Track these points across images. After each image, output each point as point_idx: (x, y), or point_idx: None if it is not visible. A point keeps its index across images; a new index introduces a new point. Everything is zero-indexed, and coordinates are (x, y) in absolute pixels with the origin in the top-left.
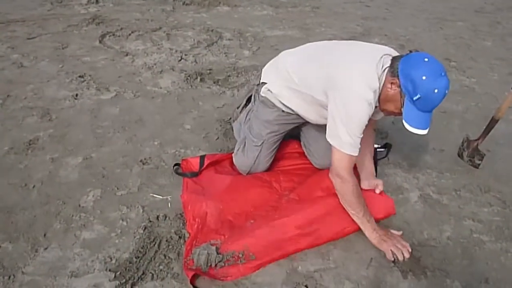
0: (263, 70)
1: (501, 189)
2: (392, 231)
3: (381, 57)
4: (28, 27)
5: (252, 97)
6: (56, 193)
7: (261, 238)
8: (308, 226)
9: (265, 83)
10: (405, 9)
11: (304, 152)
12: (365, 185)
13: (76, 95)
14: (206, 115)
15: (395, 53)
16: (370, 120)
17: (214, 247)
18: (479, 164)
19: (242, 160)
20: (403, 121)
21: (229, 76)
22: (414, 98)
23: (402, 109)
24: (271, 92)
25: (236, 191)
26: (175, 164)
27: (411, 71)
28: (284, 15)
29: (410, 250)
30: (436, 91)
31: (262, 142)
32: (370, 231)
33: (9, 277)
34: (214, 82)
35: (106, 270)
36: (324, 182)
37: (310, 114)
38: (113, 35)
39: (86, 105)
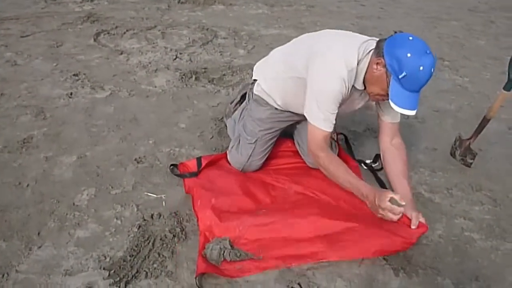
0: (254, 68)
1: (492, 188)
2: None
3: (367, 40)
4: (22, 25)
5: (247, 95)
6: (50, 191)
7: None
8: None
9: (256, 80)
10: (399, 8)
11: (297, 151)
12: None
13: (71, 93)
14: (201, 113)
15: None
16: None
17: (227, 241)
18: (471, 163)
19: (236, 157)
20: (390, 101)
21: (224, 75)
22: (400, 76)
23: (388, 89)
24: (262, 89)
25: (240, 189)
26: (172, 165)
27: (396, 50)
28: (279, 14)
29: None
30: (421, 68)
31: (256, 140)
32: (363, 196)
33: (3, 275)
34: (209, 81)
35: (100, 268)
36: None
37: (299, 105)
38: (108, 33)
39: (81, 104)
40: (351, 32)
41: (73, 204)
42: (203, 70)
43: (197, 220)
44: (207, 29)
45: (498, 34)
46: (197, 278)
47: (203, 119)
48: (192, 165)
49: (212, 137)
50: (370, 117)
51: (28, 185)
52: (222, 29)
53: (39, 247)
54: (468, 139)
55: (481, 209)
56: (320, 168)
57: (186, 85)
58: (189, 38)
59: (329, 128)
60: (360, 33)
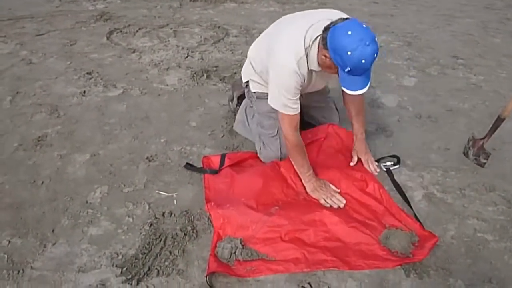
0: (242, 72)
1: (506, 188)
2: (330, 185)
3: (311, 25)
4: (36, 23)
5: (246, 96)
6: (64, 189)
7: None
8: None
9: (247, 82)
10: (413, 5)
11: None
12: (356, 158)
13: (84, 92)
14: (212, 112)
15: (337, 16)
16: (350, 96)
17: (238, 240)
18: (484, 163)
19: (269, 155)
20: (342, 87)
21: (235, 73)
22: (345, 70)
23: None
24: (258, 84)
25: (256, 186)
26: (187, 164)
27: (337, 46)
28: (291, 11)
29: (342, 201)
30: (363, 61)
31: (277, 131)
32: (306, 181)
33: (18, 271)
34: (220, 79)
35: (112, 266)
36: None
37: None
38: (121, 31)
39: (94, 102)
40: (307, 12)
41: (86, 202)
42: (214, 68)
43: (211, 219)
44: (218, 27)
45: None
46: (207, 277)
47: (214, 117)
48: (216, 161)
49: (223, 135)
50: (381, 116)
51: (42, 183)
52: (234, 27)
53: (53, 244)
54: (482, 138)
55: (495, 209)
56: (287, 148)
57: (198, 83)
58: (200, 36)
59: (294, 112)
60: (373, 31)
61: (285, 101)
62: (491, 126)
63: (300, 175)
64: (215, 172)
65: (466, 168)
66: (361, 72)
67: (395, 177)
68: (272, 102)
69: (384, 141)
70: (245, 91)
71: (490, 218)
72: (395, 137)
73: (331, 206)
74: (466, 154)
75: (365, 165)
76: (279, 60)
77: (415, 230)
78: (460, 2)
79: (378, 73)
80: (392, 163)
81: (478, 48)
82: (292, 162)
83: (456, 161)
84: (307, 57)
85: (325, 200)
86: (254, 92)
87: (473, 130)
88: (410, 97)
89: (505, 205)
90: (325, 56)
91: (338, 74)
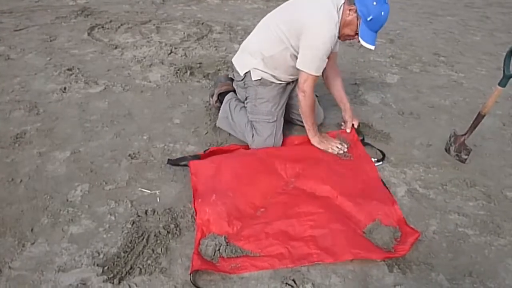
0: (234, 65)
1: (486, 184)
2: (330, 137)
3: None
4: (15, 18)
5: (241, 90)
6: (43, 187)
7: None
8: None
9: (248, 71)
10: (395, 3)
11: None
12: (345, 117)
13: (64, 88)
14: (195, 109)
15: None
16: (332, 53)
17: (222, 237)
18: (465, 159)
19: (261, 142)
20: (359, 38)
21: (219, 70)
22: (368, 19)
23: (357, 30)
24: (261, 71)
25: (244, 178)
26: (169, 159)
27: None
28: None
29: (345, 146)
30: (382, 13)
31: (276, 118)
32: (312, 135)
33: None
34: (204, 76)
35: (93, 265)
36: (326, 175)
37: (286, 70)
38: (102, 27)
39: (74, 99)
40: None
41: (67, 200)
42: (198, 65)
43: (195, 214)
44: (202, 24)
45: (494, 30)
46: (191, 275)
47: (198, 114)
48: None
49: (207, 132)
50: (364, 113)
51: (21, 181)
52: (217, 23)
53: (32, 243)
54: (463, 135)
55: (475, 204)
56: (301, 103)
57: (181, 80)
58: (184, 33)
59: (320, 73)
60: None
61: (319, 63)
62: (472, 122)
63: (307, 132)
64: (198, 157)
65: (447, 164)
66: (377, 26)
67: (379, 173)
68: (306, 65)
69: (368, 138)
70: (238, 84)
71: (470, 213)
72: (379, 134)
73: (338, 153)
74: (447, 150)
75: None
76: (321, 24)
77: (399, 225)
78: (441, 1)
79: (362, 70)
80: (376, 159)
81: (459, 46)
82: (302, 118)
83: (438, 157)
84: (339, 21)
85: (332, 148)
86: (256, 80)
87: (454, 126)
88: (392, 94)
89: (485, 200)
90: (350, 10)
91: (356, 36)
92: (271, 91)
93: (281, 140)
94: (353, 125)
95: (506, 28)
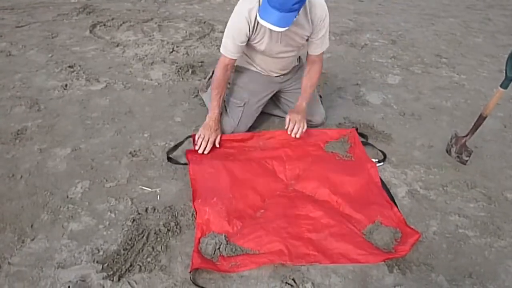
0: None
1: (487, 185)
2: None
3: None
4: (17, 15)
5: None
6: (44, 184)
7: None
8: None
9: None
10: (397, 4)
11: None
12: (289, 116)
13: (66, 85)
14: (196, 107)
15: None
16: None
17: (222, 236)
18: (466, 161)
19: (227, 121)
20: (257, 16)
21: None
22: None
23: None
24: (240, 59)
25: (243, 182)
26: (168, 157)
27: None
28: None
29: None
30: None
31: (244, 104)
32: (209, 116)
33: None
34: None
35: (93, 261)
36: (326, 178)
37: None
38: (104, 25)
39: (76, 96)
40: None
41: (67, 196)
42: (199, 63)
43: (195, 213)
44: (204, 23)
45: (495, 32)
46: (191, 273)
47: (199, 113)
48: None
49: None
50: (366, 114)
51: (21, 177)
52: (219, 22)
53: (32, 239)
54: (464, 136)
55: (476, 206)
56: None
57: (183, 78)
58: (185, 31)
59: (228, 55)
60: (357, 30)
61: (227, 42)
62: (473, 124)
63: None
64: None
65: (448, 165)
66: (276, 3)
67: (380, 174)
68: (221, 46)
69: (369, 139)
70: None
71: (471, 214)
72: (380, 134)
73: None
74: (448, 151)
75: (290, 124)
76: (236, 8)
77: (399, 227)
78: (443, 2)
79: (363, 71)
80: (377, 160)
81: (461, 48)
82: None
83: (439, 158)
84: (259, 5)
85: (200, 137)
86: (236, 66)
87: (455, 127)
88: (394, 95)
89: (486, 201)
90: None
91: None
92: (244, 77)
93: (247, 127)
94: (356, 128)
95: (508, 30)
